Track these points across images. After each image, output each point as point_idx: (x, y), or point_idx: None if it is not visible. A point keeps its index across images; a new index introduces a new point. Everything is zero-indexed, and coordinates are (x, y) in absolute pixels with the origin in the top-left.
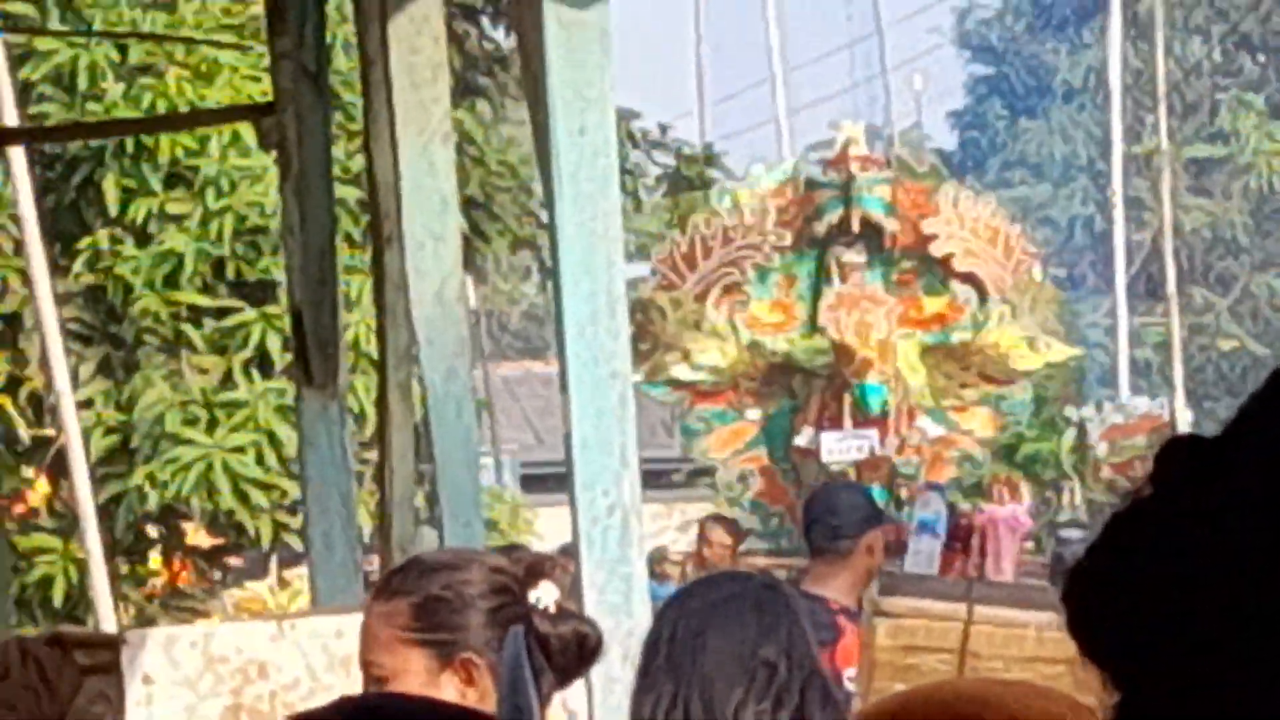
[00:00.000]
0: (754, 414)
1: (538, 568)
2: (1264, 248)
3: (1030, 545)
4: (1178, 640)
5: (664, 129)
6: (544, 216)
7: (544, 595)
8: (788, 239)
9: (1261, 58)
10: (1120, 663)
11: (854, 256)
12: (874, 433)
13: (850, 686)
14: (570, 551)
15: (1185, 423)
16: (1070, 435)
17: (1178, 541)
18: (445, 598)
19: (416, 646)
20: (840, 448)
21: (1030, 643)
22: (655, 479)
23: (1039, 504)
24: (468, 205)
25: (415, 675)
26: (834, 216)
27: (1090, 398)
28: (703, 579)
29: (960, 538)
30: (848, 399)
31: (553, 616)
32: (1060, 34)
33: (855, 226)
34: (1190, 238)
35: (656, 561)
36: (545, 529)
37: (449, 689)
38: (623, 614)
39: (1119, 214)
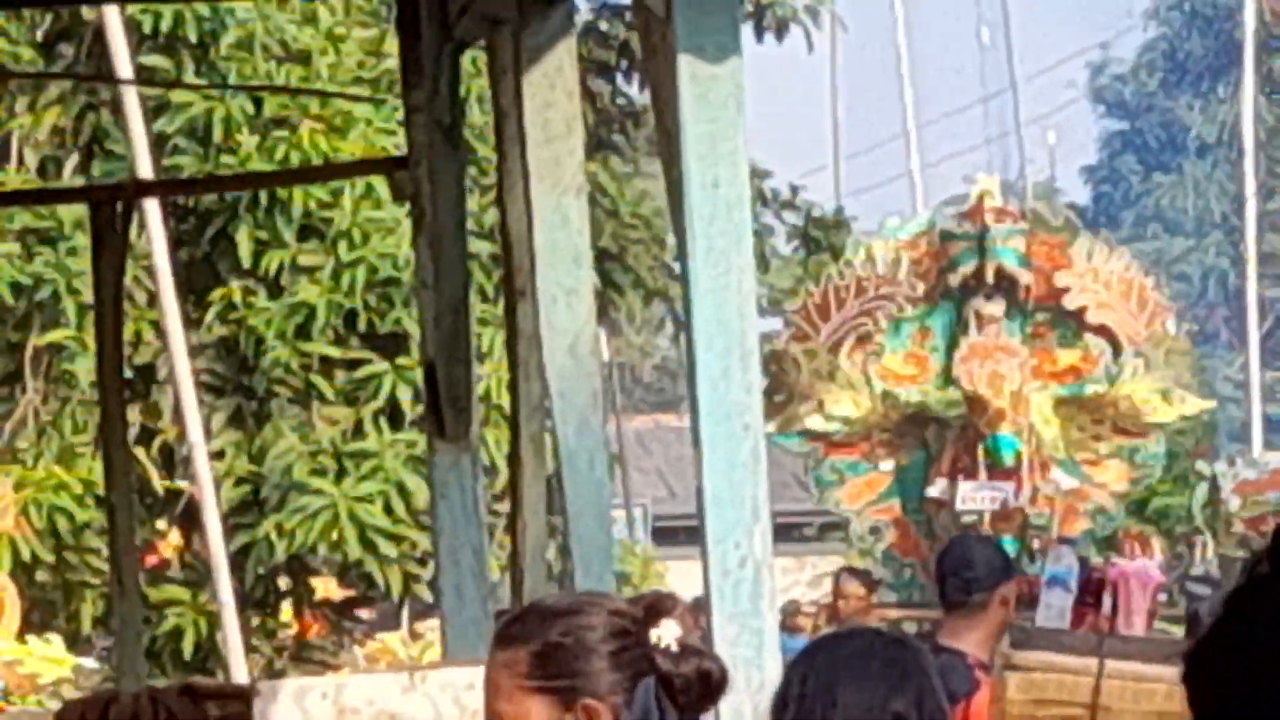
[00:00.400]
0: (887, 465)
1: (658, 607)
2: None
3: (1163, 598)
4: None
5: (795, 190)
6: (677, 269)
7: (665, 633)
8: (921, 290)
9: None
10: None
11: (992, 309)
12: (1009, 484)
13: None
14: (701, 605)
15: None
16: (1202, 490)
17: None
18: (564, 644)
19: (537, 694)
20: (976, 497)
21: (1160, 697)
22: (786, 532)
23: (1171, 558)
24: (601, 257)
25: None
26: (968, 268)
27: (1223, 452)
28: (831, 634)
29: (1091, 592)
30: (981, 450)
31: (675, 655)
32: (1194, 89)
33: (990, 278)
34: None
35: (789, 615)
36: (676, 582)
37: None
38: (754, 668)
39: (1251, 269)
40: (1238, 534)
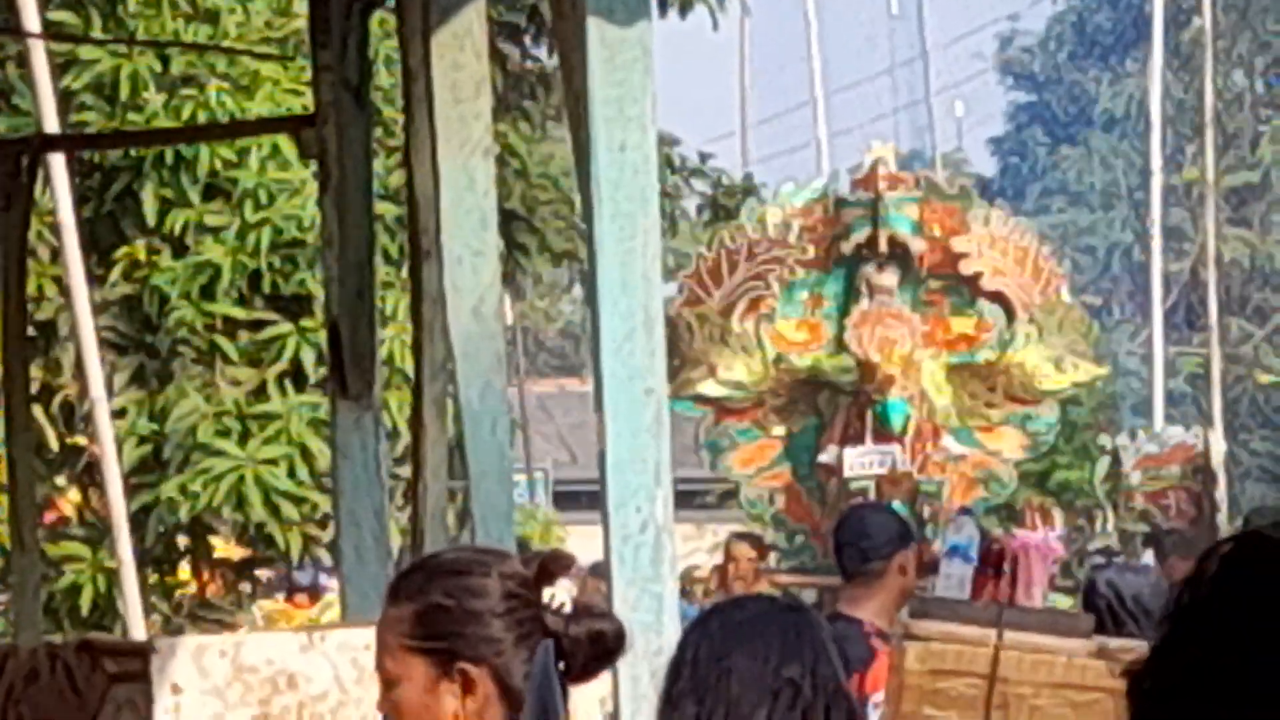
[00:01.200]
0: (779, 431)
1: (551, 566)
2: None
3: (1054, 570)
4: None
5: (704, 157)
6: (584, 232)
7: (558, 593)
8: (811, 252)
9: None
10: None
11: (885, 278)
12: (896, 448)
13: (875, 714)
14: (601, 570)
15: (1219, 454)
16: (1104, 463)
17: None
18: (446, 605)
19: (417, 654)
20: (861, 462)
21: (1060, 669)
22: (688, 499)
23: (1071, 531)
24: (508, 218)
25: (416, 682)
26: (861, 235)
27: (1124, 427)
28: (726, 601)
29: (992, 563)
30: (870, 416)
31: (568, 616)
32: (1102, 63)
33: (883, 246)
34: (1228, 268)
35: (684, 580)
36: (577, 547)
37: (447, 697)
38: (653, 632)
39: (1156, 243)
40: (1138, 508)
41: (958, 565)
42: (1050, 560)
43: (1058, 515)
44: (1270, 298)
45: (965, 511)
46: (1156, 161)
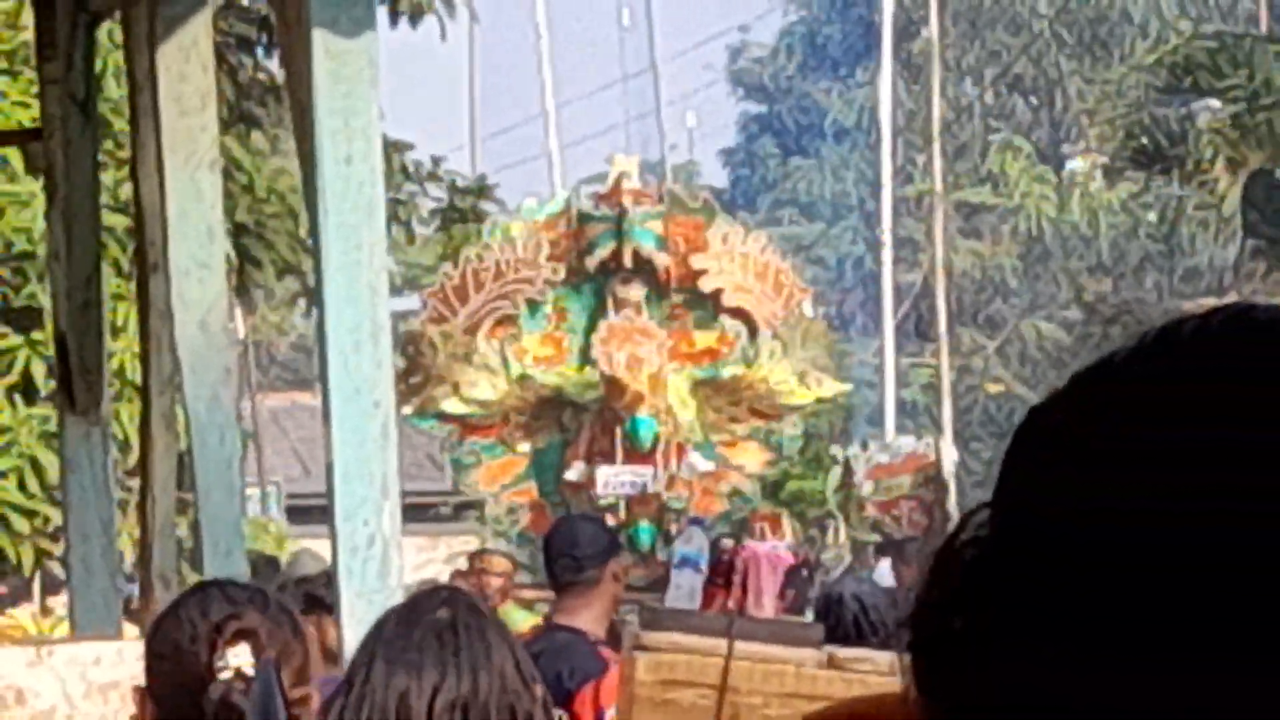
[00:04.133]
0: (524, 448)
1: (243, 631)
2: (1032, 290)
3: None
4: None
5: (436, 162)
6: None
7: (232, 659)
8: (561, 273)
9: (1033, 100)
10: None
11: (631, 292)
12: (649, 470)
13: None
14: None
15: (951, 463)
16: (835, 473)
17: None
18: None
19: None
20: (616, 482)
21: (790, 679)
22: (421, 512)
23: (805, 541)
24: (239, 231)
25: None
26: (606, 250)
27: (856, 437)
28: (403, 604)
29: (721, 573)
30: (618, 433)
31: (225, 683)
32: (832, 74)
33: (627, 260)
34: (960, 279)
35: None
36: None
37: None
38: None
39: (887, 254)
40: (870, 518)
41: (687, 575)
42: (781, 570)
43: (789, 525)
44: (1001, 309)
45: (695, 522)
46: (887, 172)
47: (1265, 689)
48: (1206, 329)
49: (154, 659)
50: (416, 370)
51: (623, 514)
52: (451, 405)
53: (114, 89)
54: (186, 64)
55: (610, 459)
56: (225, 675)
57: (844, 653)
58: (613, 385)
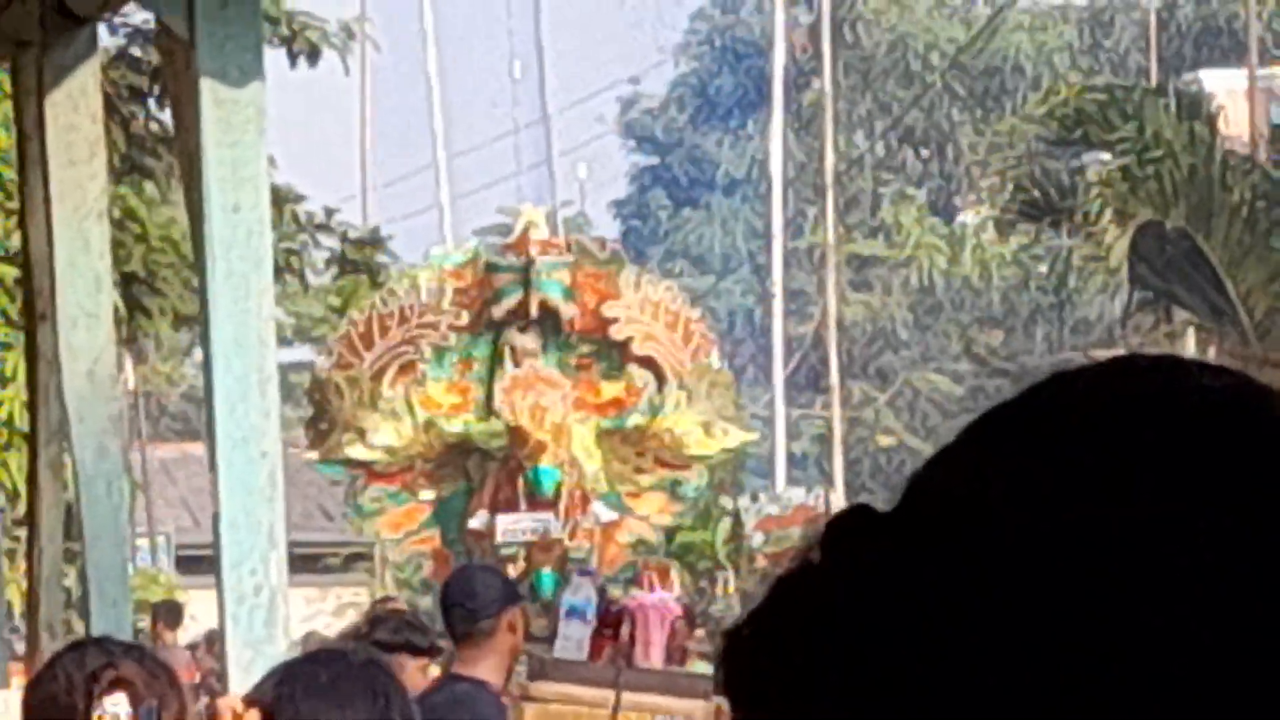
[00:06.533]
0: (428, 495)
1: (120, 680)
2: (923, 342)
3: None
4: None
5: (329, 212)
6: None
7: (117, 705)
8: (465, 318)
9: (924, 152)
10: None
11: (527, 341)
12: (550, 515)
13: None
14: (215, 635)
15: None
16: (725, 525)
17: (854, 606)
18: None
19: None
20: (515, 529)
21: None
22: (311, 562)
23: (694, 593)
24: (129, 280)
25: None
26: (512, 301)
27: (746, 488)
28: (303, 657)
29: (610, 624)
30: (522, 482)
31: None
32: (723, 125)
33: (533, 310)
34: (851, 331)
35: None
36: (199, 611)
37: None
38: None
39: (778, 305)
40: (760, 569)
41: (576, 626)
42: (669, 621)
43: (678, 577)
44: (892, 360)
45: (585, 573)
46: (778, 224)
47: None
48: (1092, 382)
49: (32, 713)
50: (323, 417)
51: (522, 563)
52: (357, 451)
53: (2, 138)
54: (75, 113)
55: (514, 508)
56: None
57: None
58: (516, 434)
